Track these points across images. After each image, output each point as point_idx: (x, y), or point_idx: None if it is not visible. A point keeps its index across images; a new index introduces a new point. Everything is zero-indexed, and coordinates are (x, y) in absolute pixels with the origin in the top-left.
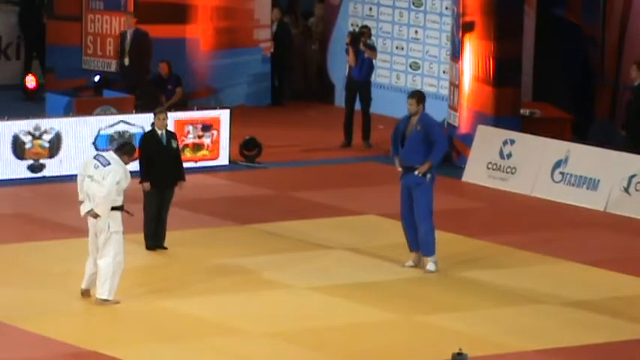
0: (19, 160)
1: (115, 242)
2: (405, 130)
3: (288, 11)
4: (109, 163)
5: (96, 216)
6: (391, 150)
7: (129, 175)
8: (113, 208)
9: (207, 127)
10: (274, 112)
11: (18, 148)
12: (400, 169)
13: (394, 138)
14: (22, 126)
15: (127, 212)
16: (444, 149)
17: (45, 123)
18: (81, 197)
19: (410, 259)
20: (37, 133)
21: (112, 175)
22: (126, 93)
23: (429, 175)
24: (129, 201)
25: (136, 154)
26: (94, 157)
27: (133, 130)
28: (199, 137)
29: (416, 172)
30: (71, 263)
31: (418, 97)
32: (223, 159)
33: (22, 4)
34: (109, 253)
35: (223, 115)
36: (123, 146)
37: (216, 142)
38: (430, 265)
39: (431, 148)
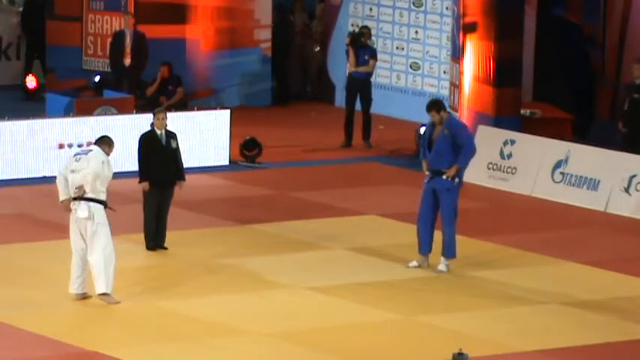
0: None
1: (102, 235)
2: (432, 134)
3: (290, 11)
4: (91, 150)
5: (83, 195)
6: (419, 153)
7: (111, 165)
8: (96, 201)
9: None
10: (274, 112)
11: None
12: (427, 172)
13: (422, 142)
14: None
15: (111, 208)
16: (471, 152)
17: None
18: (62, 198)
19: (414, 260)
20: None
21: (95, 157)
22: (125, 93)
23: (457, 180)
24: (129, 201)
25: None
26: (74, 155)
27: None
28: None
29: (444, 177)
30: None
31: (436, 107)
32: (223, 159)
33: (24, 5)
34: (97, 247)
35: (224, 116)
36: (102, 138)
37: None
38: (442, 266)
39: (458, 152)
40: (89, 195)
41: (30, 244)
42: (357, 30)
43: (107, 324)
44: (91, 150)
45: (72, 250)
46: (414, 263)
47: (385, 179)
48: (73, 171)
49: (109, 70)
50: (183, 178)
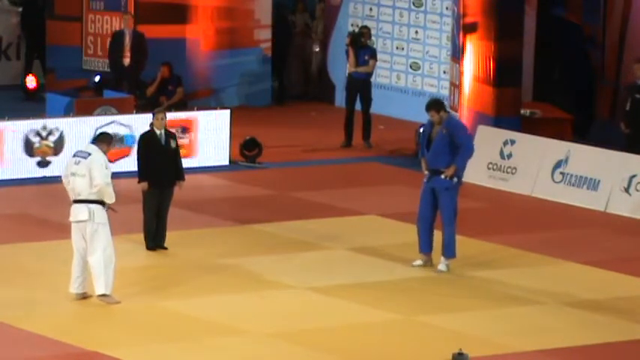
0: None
1: (103, 235)
2: (431, 133)
3: (292, 11)
4: (90, 154)
5: (109, 207)
6: (418, 153)
7: (109, 165)
8: (96, 202)
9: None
10: (274, 112)
11: (27, 147)
12: (426, 172)
13: (420, 141)
14: (31, 126)
15: (112, 209)
16: (469, 152)
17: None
18: (72, 196)
19: (418, 259)
20: (44, 134)
21: (97, 162)
22: (125, 93)
23: (455, 179)
24: (129, 201)
25: (114, 143)
26: (74, 156)
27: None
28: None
29: (442, 176)
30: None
31: (436, 107)
32: (223, 159)
33: (24, 5)
34: (97, 248)
35: (224, 116)
36: (100, 136)
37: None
38: (442, 266)
39: (456, 151)
40: (90, 197)
41: (30, 245)
42: (357, 30)
43: (107, 324)
44: (90, 154)
45: (73, 250)
46: (419, 262)
47: (385, 179)
48: (73, 174)
49: (109, 70)
50: (182, 178)
